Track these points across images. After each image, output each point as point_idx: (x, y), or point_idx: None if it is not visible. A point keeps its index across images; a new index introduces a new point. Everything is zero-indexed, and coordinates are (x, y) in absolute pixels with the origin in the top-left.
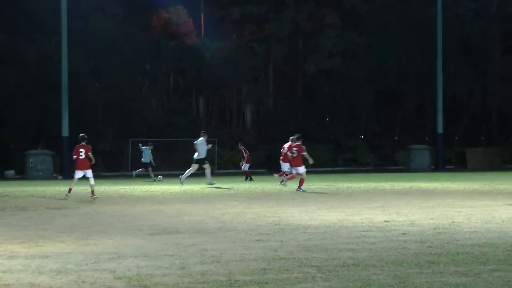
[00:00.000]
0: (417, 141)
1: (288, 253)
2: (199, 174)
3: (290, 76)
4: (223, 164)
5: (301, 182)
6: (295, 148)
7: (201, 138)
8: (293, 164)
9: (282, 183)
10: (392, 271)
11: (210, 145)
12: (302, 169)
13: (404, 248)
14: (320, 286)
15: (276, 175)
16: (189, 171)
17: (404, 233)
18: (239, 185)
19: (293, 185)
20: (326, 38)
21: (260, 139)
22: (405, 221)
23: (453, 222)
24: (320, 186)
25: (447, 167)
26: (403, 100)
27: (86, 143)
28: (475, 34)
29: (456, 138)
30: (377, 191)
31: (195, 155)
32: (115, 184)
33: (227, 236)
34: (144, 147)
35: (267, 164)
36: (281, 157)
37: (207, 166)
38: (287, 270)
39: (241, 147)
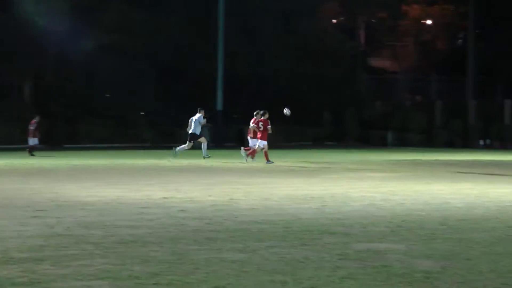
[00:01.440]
0: None
1: (65, 229)
2: None
3: (70, 51)
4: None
5: (264, 154)
6: (261, 123)
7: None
8: (258, 137)
9: (252, 159)
10: (171, 247)
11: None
12: (263, 143)
13: (182, 225)
14: (98, 263)
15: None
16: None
17: (183, 210)
18: (18, 161)
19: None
20: (105, 14)
21: (39, 114)
22: (184, 198)
23: (232, 199)
24: (98, 162)
25: (227, 144)
26: (184, 77)
27: None
28: (256, 14)
29: (236, 116)
30: (156, 167)
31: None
32: None
33: (2, 213)
34: None
35: (47, 140)
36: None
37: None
38: (64, 247)
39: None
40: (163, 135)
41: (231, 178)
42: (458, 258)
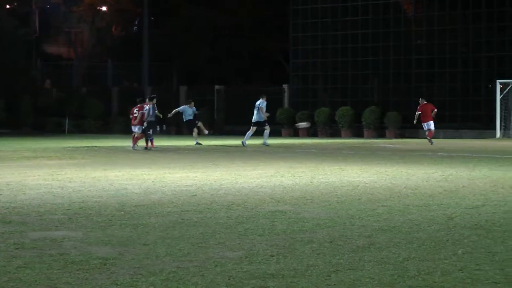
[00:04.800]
0: None
1: None
2: None
3: None
4: None
5: (135, 139)
6: (136, 109)
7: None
8: (135, 124)
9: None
10: None
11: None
12: (138, 129)
13: None
14: None
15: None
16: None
17: None
18: None
19: None
20: None
21: None
22: None
23: None
24: None
25: None
26: None
27: None
28: None
29: None
30: None
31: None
32: None
33: None
34: None
35: None
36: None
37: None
38: None
39: None
40: None
41: None
42: (135, 244)
